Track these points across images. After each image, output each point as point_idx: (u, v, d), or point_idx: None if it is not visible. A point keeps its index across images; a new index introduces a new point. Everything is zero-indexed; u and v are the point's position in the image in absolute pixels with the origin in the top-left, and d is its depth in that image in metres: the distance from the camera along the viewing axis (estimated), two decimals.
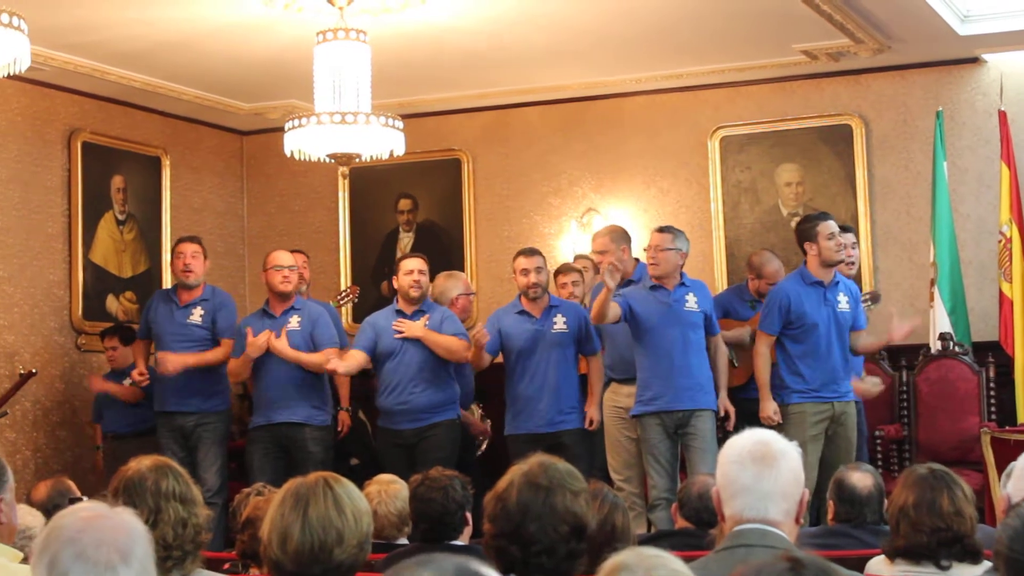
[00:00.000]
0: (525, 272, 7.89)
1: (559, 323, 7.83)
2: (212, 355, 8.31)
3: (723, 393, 7.68)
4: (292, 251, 8.63)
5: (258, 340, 7.95)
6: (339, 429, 8.46)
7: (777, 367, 7.52)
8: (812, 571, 2.16)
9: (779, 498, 3.21)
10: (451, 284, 8.74)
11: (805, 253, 7.53)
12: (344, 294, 9.67)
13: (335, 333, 8.25)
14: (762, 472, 3.21)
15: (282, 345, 7.95)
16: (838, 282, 7.52)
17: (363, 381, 8.74)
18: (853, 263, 8.09)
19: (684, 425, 7.44)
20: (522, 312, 7.92)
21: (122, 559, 2.48)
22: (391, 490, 5.32)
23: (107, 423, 8.89)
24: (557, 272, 8.52)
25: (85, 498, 4.73)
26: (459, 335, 7.92)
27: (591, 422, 7.81)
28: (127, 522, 2.58)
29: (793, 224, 8.73)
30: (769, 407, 7.43)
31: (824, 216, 7.68)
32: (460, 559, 2.07)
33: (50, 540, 2.52)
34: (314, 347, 8.08)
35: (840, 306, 7.47)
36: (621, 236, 8.09)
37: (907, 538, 3.97)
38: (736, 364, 8.08)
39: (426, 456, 7.37)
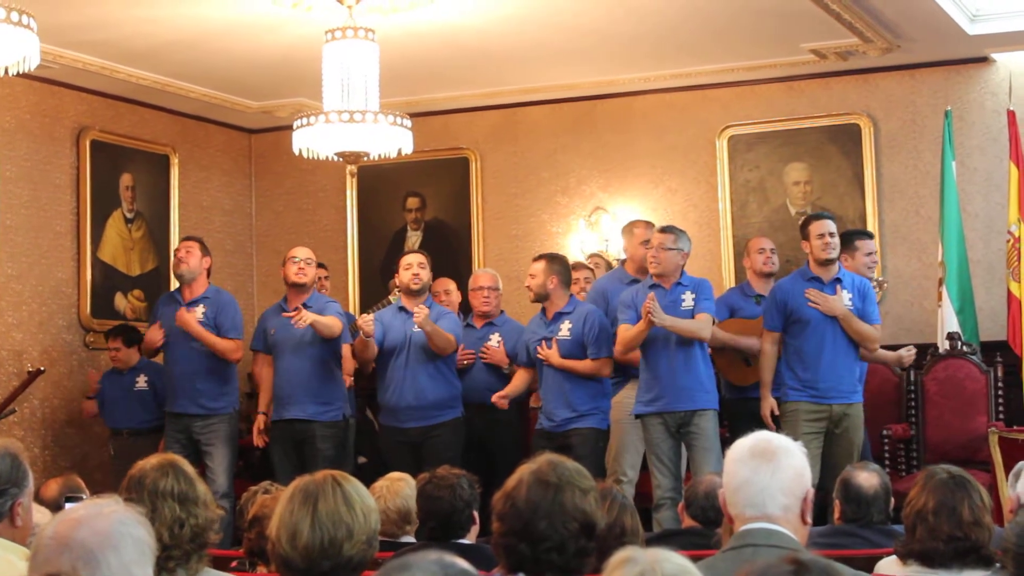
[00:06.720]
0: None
1: (563, 329, 7.78)
2: (221, 343, 8.30)
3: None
4: None
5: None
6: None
7: (781, 364, 7.50)
8: (815, 574, 2.14)
9: (778, 493, 3.21)
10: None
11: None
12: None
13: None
14: (760, 466, 3.22)
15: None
16: (839, 279, 7.44)
17: (371, 379, 8.74)
18: (872, 268, 8.02)
19: (686, 424, 7.40)
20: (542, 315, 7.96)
21: (103, 552, 2.51)
22: (395, 487, 5.32)
23: (116, 419, 8.89)
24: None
25: (84, 496, 4.74)
26: (454, 334, 7.95)
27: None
28: (118, 518, 2.59)
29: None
30: (766, 407, 7.42)
31: (818, 216, 7.64)
32: (445, 557, 2.05)
33: (41, 533, 2.58)
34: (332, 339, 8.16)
35: None
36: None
37: (923, 543, 3.95)
38: (751, 363, 8.04)
39: (436, 457, 7.16)
